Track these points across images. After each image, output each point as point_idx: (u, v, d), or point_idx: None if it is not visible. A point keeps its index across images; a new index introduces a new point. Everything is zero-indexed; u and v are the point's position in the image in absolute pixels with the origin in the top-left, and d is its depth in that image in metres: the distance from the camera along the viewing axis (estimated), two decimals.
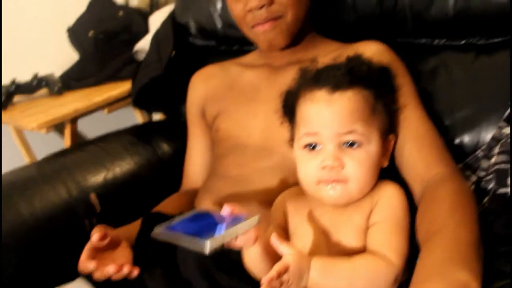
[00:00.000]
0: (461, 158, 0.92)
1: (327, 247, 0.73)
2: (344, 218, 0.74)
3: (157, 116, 1.66)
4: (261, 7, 0.88)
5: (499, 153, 0.78)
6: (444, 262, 0.61)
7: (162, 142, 1.26)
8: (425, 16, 0.98)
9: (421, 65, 1.01)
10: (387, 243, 0.69)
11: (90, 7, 1.55)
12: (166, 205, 1.04)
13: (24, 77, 1.44)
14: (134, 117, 1.75)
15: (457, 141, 0.95)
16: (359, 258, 0.68)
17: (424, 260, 0.63)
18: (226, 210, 0.66)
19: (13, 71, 1.43)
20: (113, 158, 1.15)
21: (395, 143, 0.82)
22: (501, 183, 0.74)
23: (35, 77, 1.39)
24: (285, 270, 0.62)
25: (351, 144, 0.71)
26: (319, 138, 0.72)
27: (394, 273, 0.66)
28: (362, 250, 0.71)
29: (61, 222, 0.99)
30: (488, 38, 0.97)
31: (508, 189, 0.73)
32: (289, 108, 0.79)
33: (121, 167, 1.14)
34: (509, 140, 0.76)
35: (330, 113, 0.71)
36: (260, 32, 0.92)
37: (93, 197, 1.03)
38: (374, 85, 0.75)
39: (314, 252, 0.73)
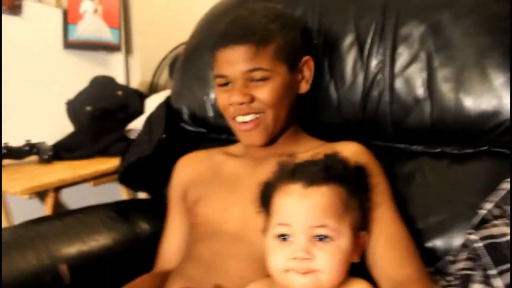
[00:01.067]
0: (432, 262, 0.93)
1: None
2: None
3: (141, 195, 1.67)
4: (242, 103, 0.94)
5: (466, 259, 0.80)
6: None
7: (142, 220, 1.26)
8: (404, 123, 1.04)
9: (398, 169, 1.05)
10: None
11: (91, 83, 1.63)
12: (136, 285, 1.03)
13: (16, 142, 1.47)
14: (119, 193, 1.76)
15: (429, 244, 0.97)
16: None
17: None
18: None
19: (6, 136, 1.46)
20: (89, 231, 1.14)
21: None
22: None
23: (27, 143, 1.42)
24: None
25: (322, 238, 0.73)
26: (291, 230, 0.74)
27: None
28: None
29: None
30: (461, 148, 1.03)
31: None
32: (265, 199, 0.82)
33: (97, 241, 1.14)
34: (476, 247, 0.78)
35: (303, 207, 0.74)
36: (242, 130, 0.97)
37: (63, 268, 1.01)
38: (348, 182, 0.78)
39: None
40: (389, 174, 0.95)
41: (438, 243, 0.96)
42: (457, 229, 0.94)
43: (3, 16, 1.55)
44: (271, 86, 0.94)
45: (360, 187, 0.81)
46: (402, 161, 1.07)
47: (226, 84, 0.97)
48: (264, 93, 0.93)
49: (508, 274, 0.72)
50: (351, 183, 0.78)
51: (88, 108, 1.49)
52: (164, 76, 1.84)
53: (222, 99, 0.98)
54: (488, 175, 0.97)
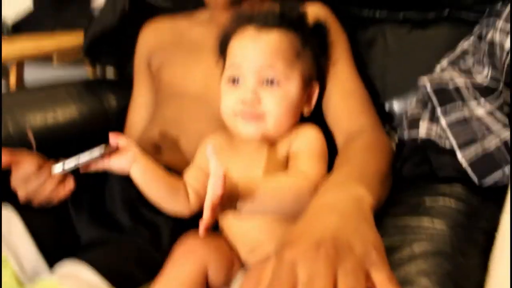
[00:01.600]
0: (388, 121, 0.98)
1: None
2: (266, 154, 0.77)
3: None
4: None
5: (414, 105, 0.83)
6: (345, 179, 0.65)
7: (110, 96, 1.26)
8: None
9: (361, 34, 1.06)
10: (305, 165, 0.73)
11: None
12: None
13: None
14: (85, 77, 1.72)
15: (386, 105, 1.01)
16: (284, 175, 0.72)
17: (328, 179, 0.68)
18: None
19: None
20: (56, 103, 1.15)
21: (323, 95, 0.86)
22: (412, 128, 0.79)
23: None
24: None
25: (271, 83, 0.75)
26: (241, 71, 0.75)
27: (311, 187, 0.69)
28: None
29: None
30: (423, 13, 1.02)
31: (418, 133, 0.78)
32: (223, 46, 0.82)
33: (64, 113, 1.14)
34: (424, 91, 0.81)
35: (253, 48, 0.75)
36: None
37: (29, 132, 1.03)
38: (303, 31, 0.78)
39: None
40: (352, 40, 0.95)
41: (395, 103, 1.00)
42: (413, 91, 0.95)
43: None
44: None
45: (315, 38, 0.82)
46: (365, 27, 1.07)
47: None
48: None
49: (451, 114, 0.75)
50: (305, 33, 0.78)
51: None
52: None
53: None
54: (447, 39, 0.98)
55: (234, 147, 0.80)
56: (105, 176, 0.86)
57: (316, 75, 0.83)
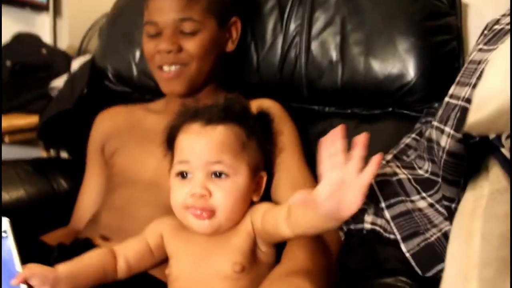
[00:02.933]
0: None
1: (205, 269, 0.76)
2: (219, 243, 0.77)
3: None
4: (169, 51, 0.96)
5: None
6: (290, 272, 0.65)
7: (60, 177, 1.24)
8: (318, 85, 1.10)
9: (312, 128, 1.11)
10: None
11: (14, 39, 1.58)
12: (48, 236, 1.02)
13: None
14: (38, 155, 1.70)
15: None
16: None
17: (273, 270, 0.68)
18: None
19: None
20: (4, 184, 1.12)
21: (271, 183, 0.88)
22: (357, 220, 0.81)
23: None
24: None
25: (220, 175, 0.76)
26: (190, 167, 0.77)
27: None
28: (240, 269, 0.73)
29: None
30: (369, 109, 1.10)
31: (363, 225, 0.80)
32: (170, 141, 0.84)
33: (9, 193, 1.12)
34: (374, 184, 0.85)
35: (200, 144, 0.77)
36: (164, 79, 0.99)
37: None
38: (247, 123, 0.81)
39: (191, 275, 0.76)
40: (303, 133, 0.99)
41: None
42: None
43: None
44: (200, 38, 0.97)
45: (260, 129, 0.84)
46: (315, 121, 1.13)
47: (156, 35, 0.98)
48: (192, 44, 0.96)
49: (395, 207, 0.79)
50: (249, 124, 0.81)
51: (8, 63, 1.44)
52: (94, 41, 1.79)
53: (150, 46, 1.00)
54: (392, 133, 1.04)
55: (184, 235, 0.80)
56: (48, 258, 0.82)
57: (264, 163, 0.85)
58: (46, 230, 1.05)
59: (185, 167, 0.77)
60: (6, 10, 1.68)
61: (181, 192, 0.77)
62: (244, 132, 0.80)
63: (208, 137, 0.77)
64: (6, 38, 1.61)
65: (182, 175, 0.78)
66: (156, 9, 0.97)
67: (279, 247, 0.78)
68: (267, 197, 0.87)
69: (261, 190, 0.83)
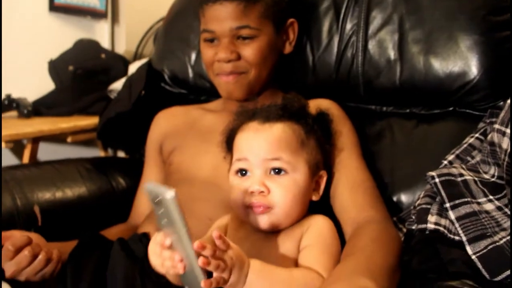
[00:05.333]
0: (396, 213, 0.97)
1: None
2: (275, 243, 0.77)
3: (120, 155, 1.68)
4: (228, 61, 0.96)
5: (422, 197, 0.84)
6: (352, 272, 0.64)
7: (118, 175, 1.28)
8: (375, 84, 1.08)
9: (369, 128, 1.09)
10: (317, 262, 0.72)
11: (75, 45, 1.65)
12: (107, 231, 1.05)
13: None
14: (97, 155, 1.76)
15: (394, 198, 1.01)
16: (295, 269, 0.72)
17: (334, 270, 0.66)
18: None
19: None
20: (65, 179, 1.16)
21: (331, 183, 0.87)
22: (420, 221, 0.79)
23: (8, 97, 1.43)
24: (228, 245, 0.63)
25: (278, 172, 0.76)
26: (248, 164, 0.77)
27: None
28: None
29: None
30: (429, 109, 1.07)
31: (427, 225, 0.77)
32: (229, 141, 0.85)
33: (72, 189, 1.16)
34: (432, 184, 0.82)
35: (258, 141, 0.78)
36: (223, 82, 1.00)
37: (36, 209, 1.03)
38: (305, 121, 0.81)
39: None
40: (360, 133, 0.98)
41: (403, 196, 1.00)
42: (421, 183, 0.97)
43: None
44: (258, 44, 0.96)
45: (319, 127, 0.84)
46: (373, 121, 1.11)
47: (212, 40, 0.99)
48: (250, 51, 0.96)
49: (460, 208, 0.76)
50: (308, 122, 0.81)
51: (71, 68, 1.51)
52: (149, 46, 1.85)
53: (208, 54, 1.00)
54: (453, 133, 1.01)
55: (243, 232, 0.80)
56: (107, 252, 0.85)
57: (323, 163, 0.84)
58: (105, 226, 1.08)
59: (244, 165, 0.78)
60: (68, 19, 1.78)
61: (240, 190, 0.77)
62: (303, 129, 0.80)
63: (265, 134, 0.77)
64: (68, 45, 1.69)
65: (241, 172, 0.79)
66: (212, 17, 0.97)
67: None
68: (325, 196, 0.87)
69: (320, 189, 0.82)
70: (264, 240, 0.78)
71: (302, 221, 0.78)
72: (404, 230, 0.90)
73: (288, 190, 0.76)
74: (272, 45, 0.99)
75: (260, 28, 0.96)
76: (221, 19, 0.96)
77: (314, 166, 0.80)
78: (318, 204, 0.83)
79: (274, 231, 0.78)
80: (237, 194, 0.78)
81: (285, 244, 0.76)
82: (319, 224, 0.77)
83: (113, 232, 1.05)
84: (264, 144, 0.77)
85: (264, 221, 0.76)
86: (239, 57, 0.96)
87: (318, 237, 0.75)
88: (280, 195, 0.75)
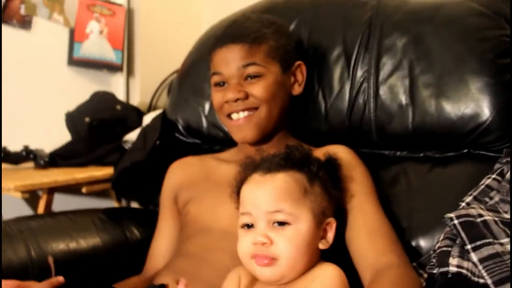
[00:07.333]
0: (416, 258, 0.95)
1: None
2: None
3: (134, 206, 1.68)
4: (237, 100, 0.98)
5: (442, 240, 0.82)
6: None
7: (132, 226, 1.27)
8: (388, 129, 1.09)
9: (384, 173, 1.09)
10: None
11: (92, 97, 1.70)
12: (122, 284, 1.04)
13: (14, 148, 1.51)
14: (111, 205, 1.77)
15: (413, 243, 0.99)
16: None
17: None
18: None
19: (5, 141, 1.51)
20: (79, 230, 1.16)
21: (345, 229, 0.87)
22: (442, 264, 0.77)
23: (25, 148, 1.46)
24: None
25: (282, 223, 0.76)
26: (252, 218, 0.78)
27: None
28: None
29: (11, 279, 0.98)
30: (443, 152, 1.06)
31: (449, 268, 0.75)
32: (237, 193, 0.85)
33: (86, 240, 1.15)
34: (451, 226, 0.80)
35: (259, 193, 0.78)
36: (234, 126, 1.01)
37: (50, 259, 1.03)
38: (308, 169, 0.81)
39: None
40: (375, 179, 0.98)
41: (421, 241, 0.98)
42: (440, 227, 0.94)
43: (14, 30, 1.65)
44: (265, 82, 0.98)
45: (326, 174, 0.83)
46: (387, 166, 1.10)
47: (221, 84, 1.02)
48: (258, 88, 0.98)
49: (482, 249, 0.74)
50: (311, 170, 0.81)
51: (87, 119, 1.54)
52: (163, 97, 1.90)
53: (218, 97, 1.02)
54: (468, 175, 1.00)
55: (257, 284, 0.80)
56: None
57: (333, 209, 0.83)
58: (119, 278, 1.06)
59: (248, 219, 0.79)
60: (86, 72, 1.83)
61: (245, 242, 0.78)
62: (306, 177, 0.80)
63: (266, 186, 0.78)
64: (85, 97, 1.74)
65: (247, 226, 0.79)
66: (220, 60, 1.00)
67: None
68: (340, 244, 0.85)
69: (328, 237, 0.81)
70: None
71: (309, 272, 0.77)
72: (425, 275, 0.88)
73: (292, 241, 0.75)
74: (279, 83, 1.00)
75: (266, 66, 0.99)
76: (229, 61, 0.99)
77: (320, 214, 0.79)
78: (332, 249, 0.82)
79: (281, 283, 0.77)
80: (243, 246, 0.79)
81: None
82: (326, 276, 0.76)
83: (127, 285, 1.04)
84: (265, 196, 0.77)
85: (269, 273, 0.75)
86: (247, 96, 0.98)
87: None
88: (283, 246, 0.75)
